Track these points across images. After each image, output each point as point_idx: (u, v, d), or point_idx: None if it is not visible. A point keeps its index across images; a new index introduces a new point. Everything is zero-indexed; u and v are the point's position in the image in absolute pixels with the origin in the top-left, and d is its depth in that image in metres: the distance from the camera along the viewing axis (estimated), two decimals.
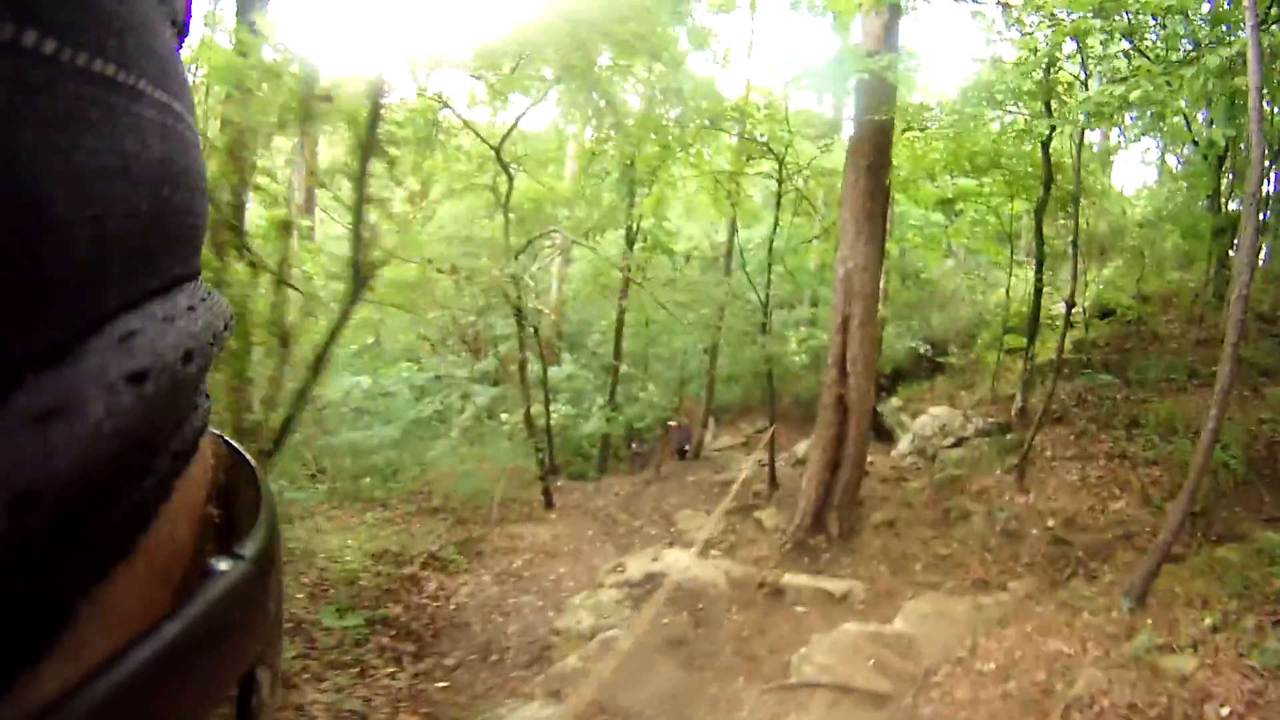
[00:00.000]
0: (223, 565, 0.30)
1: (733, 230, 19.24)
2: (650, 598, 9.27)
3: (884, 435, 20.47)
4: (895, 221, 19.49)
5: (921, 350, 22.03)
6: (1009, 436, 15.31)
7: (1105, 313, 18.65)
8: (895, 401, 20.79)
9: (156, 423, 0.25)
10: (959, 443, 16.11)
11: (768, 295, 16.46)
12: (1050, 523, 11.92)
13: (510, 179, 14.79)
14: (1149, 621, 8.13)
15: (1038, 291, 15.94)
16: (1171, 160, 22.56)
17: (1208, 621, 7.70)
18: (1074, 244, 14.78)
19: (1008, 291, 19.26)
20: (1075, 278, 14.72)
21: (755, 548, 12.19)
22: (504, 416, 16.73)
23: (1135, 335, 17.42)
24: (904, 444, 18.17)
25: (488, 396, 17.05)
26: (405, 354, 19.81)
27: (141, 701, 0.23)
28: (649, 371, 21.59)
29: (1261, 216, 17.91)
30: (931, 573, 11.11)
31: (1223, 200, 18.10)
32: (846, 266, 11.93)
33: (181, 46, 0.31)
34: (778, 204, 17.05)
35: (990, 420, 16.44)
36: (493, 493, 13.69)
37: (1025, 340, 16.38)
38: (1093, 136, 19.34)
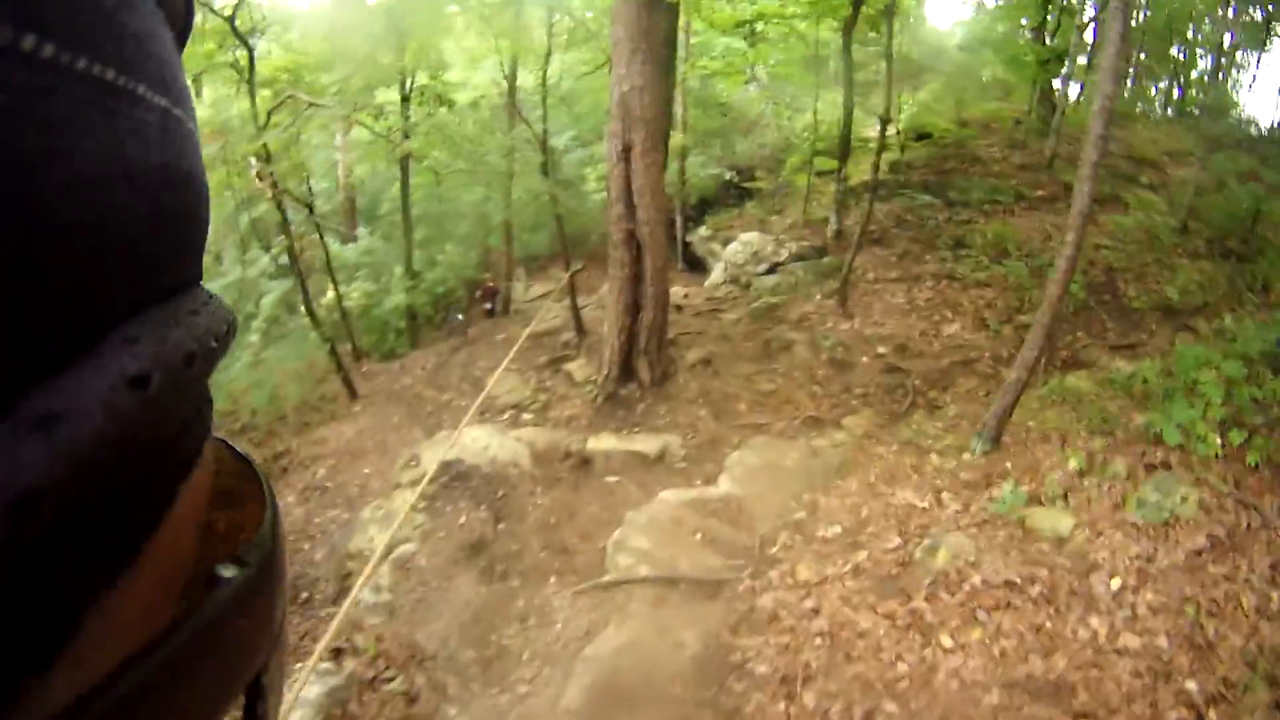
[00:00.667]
0: (228, 572, 0.30)
1: (513, 72, 16.56)
2: (448, 493, 7.76)
3: (696, 267, 19.10)
4: (693, 53, 17.97)
5: (727, 177, 20.33)
6: (826, 260, 14.04)
7: (921, 136, 17.62)
8: (704, 231, 19.19)
9: (159, 427, 0.25)
10: (773, 269, 14.70)
11: (544, 133, 14.14)
12: (881, 349, 10.67)
13: (250, 50, 12.01)
14: (1008, 465, 6.88)
15: (848, 111, 14.41)
16: None
17: (1073, 464, 6.53)
18: (888, 57, 13.15)
19: (815, 115, 17.69)
20: (889, 96, 13.13)
21: (566, 405, 10.47)
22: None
23: (954, 158, 16.44)
24: (716, 273, 16.62)
25: (278, 292, 15.24)
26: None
27: (149, 710, 0.24)
28: (446, 231, 19.87)
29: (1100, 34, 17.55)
30: (757, 413, 9.65)
31: (1047, 34, 17.73)
32: (622, 89, 9.84)
33: (182, 50, 0.30)
34: (548, 34, 14.91)
35: (805, 244, 15.08)
36: (288, 398, 12.24)
37: (837, 162, 14.94)
38: None
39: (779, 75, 21.05)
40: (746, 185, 19.91)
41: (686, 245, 19.79)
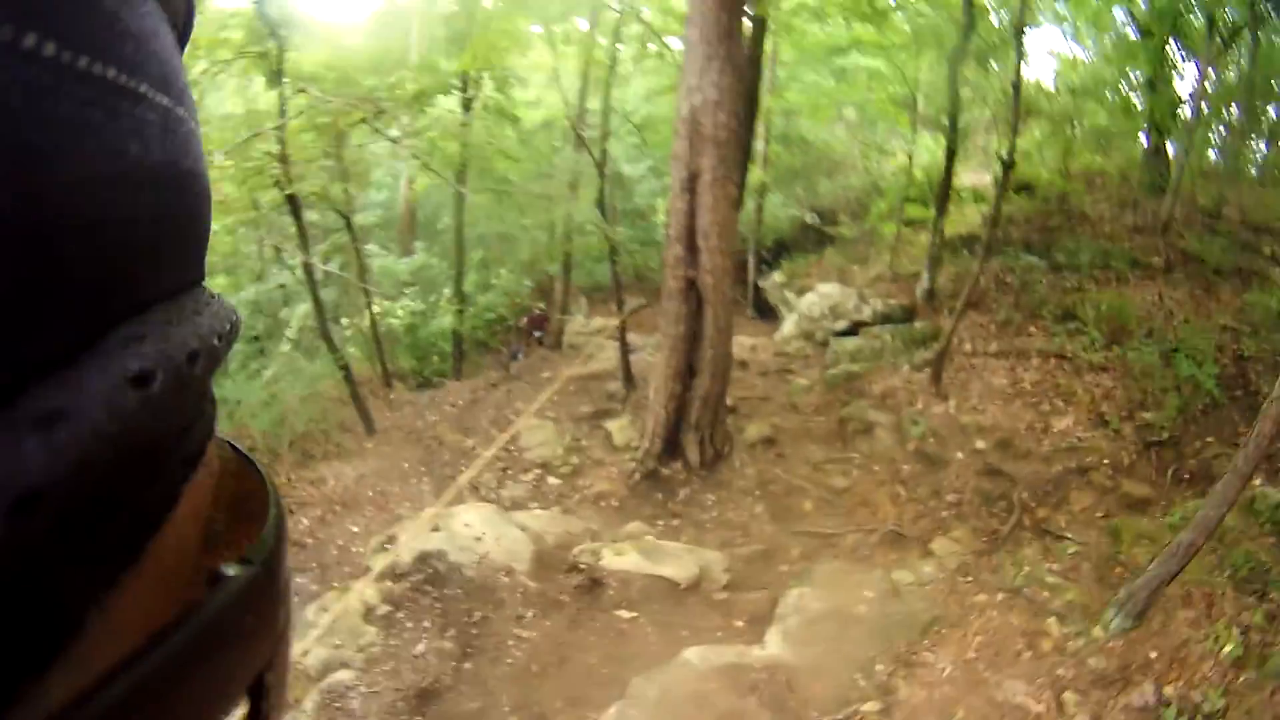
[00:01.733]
0: (232, 571, 0.30)
1: (582, 91, 15.06)
2: (415, 601, 6.15)
3: (767, 314, 17.53)
4: (778, 84, 16.50)
5: (807, 219, 18.62)
6: (917, 325, 12.22)
7: (1021, 187, 15.55)
8: (778, 277, 17.52)
9: (162, 426, 0.25)
10: (854, 329, 12.96)
11: (603, 156, 12.61)
12: (979, 443, 8.82)
13: (280, 41, 10.33)
14: (1151, 655, 5.06)
15: (950, 153, 12.69)
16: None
17: (1227, 649, 4.75)
18: (1015, 86, 11.22)
19: (908, 157, 15.90)
20: (1013, 134, 11.23)
21: (599, 474, 8.86)
22: (345, 322, 14.24)
23: (1059, 214, 14.41)
24: (789, 326, 14.90)
25: (306, 304, 13.78)
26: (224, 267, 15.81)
27: (152, 710, 0.24)
28: (505, 254, 18.13)
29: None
30: (825, 515, 7.94)
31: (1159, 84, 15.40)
32: (692, 102, 8.04)
33: (183, 50, 0.30)
34: (611, 45, 13.50)
35: (892, 302, 13.30)
36: (295, 424, 10.90)
37: (932, 211, 13.19)
38: None
39: (868, 114, 19.24)
40: (827, 230, 18.12)
41: (758, 290, 18.15)
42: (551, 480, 8.86)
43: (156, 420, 0.23)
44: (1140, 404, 9.12)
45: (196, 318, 0.27)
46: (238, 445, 0.38)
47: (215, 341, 0.27)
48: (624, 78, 16.84)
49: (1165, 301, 10.99)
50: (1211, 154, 16.50)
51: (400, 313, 15.35)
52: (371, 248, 17.23)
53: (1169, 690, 4.71)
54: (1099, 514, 7.63)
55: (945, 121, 12.99)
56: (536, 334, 16.13)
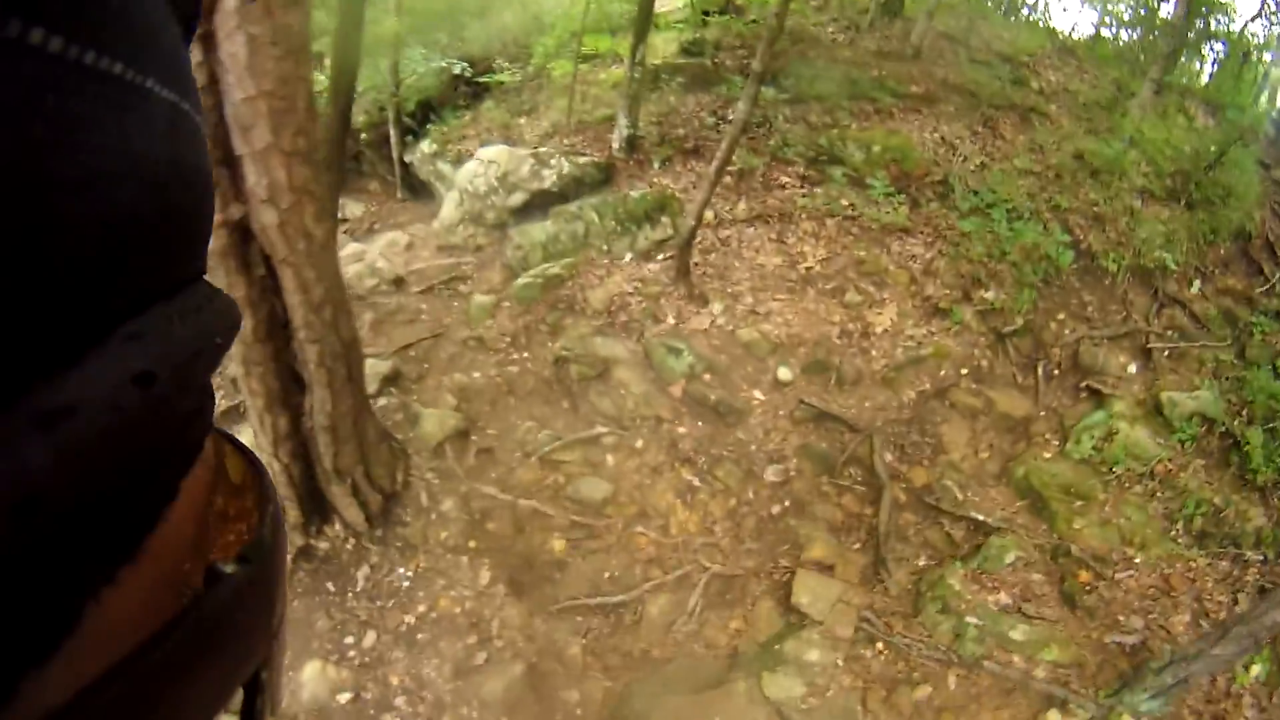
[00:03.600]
0: (230, 569, 0.29)
1: None
2: None
3: (421, 194, 13.23)
4: None
5: (457, 70, 14.26)
6: (631, 193, 8.75)
7: (725, 10, 12.32)
8: (427, 146, 13.27)
9: (163, 424, 0.24)
10: (539, 203, 9.29)
11: None
12: (782, 372, 5.61)
13: None
14: None
15: None
16: None
17: None
18: None
19: None
20: None
21: None
22: None
23: (786, 38, 11.29)
24: (449, 207, 10.81)
25: None
26: None
27: (150, 707, 0.24)
28: None
29: None
30: (592, 557, 4.59)
31: None
32: None
33: (189, 43, 0.30)
34: None
35: (581, 161, 9.70)
36: None
37: (625, 40, 9.92)
38: None
39: None
40: (483, 80, 13.93)
41: (405, 167, 13.73)
42: None
43: (158, 419, 0.23)
44: (974, 280, 6.38)
45: (198, 315, 0.26)
46: (233, 436, 0.36)
47: (216, 340, 0.27)
48: None
49: (942, 138, 8.35)
50: None
51: None
52: None
53: None
54: (987, 457, 4.87)
55: None
56: None
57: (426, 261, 9.39)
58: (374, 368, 5.55)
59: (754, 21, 11.71)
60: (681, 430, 5.30)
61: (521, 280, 7.40)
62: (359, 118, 14.57)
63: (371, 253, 10.40)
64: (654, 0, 9.34)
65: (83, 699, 0.20)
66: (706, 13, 12.13)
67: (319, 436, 4.43)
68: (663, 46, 11.43)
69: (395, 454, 5.09)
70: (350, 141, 14.09)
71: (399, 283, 8.55)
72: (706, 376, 5.64)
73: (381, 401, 5.42)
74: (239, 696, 0.30)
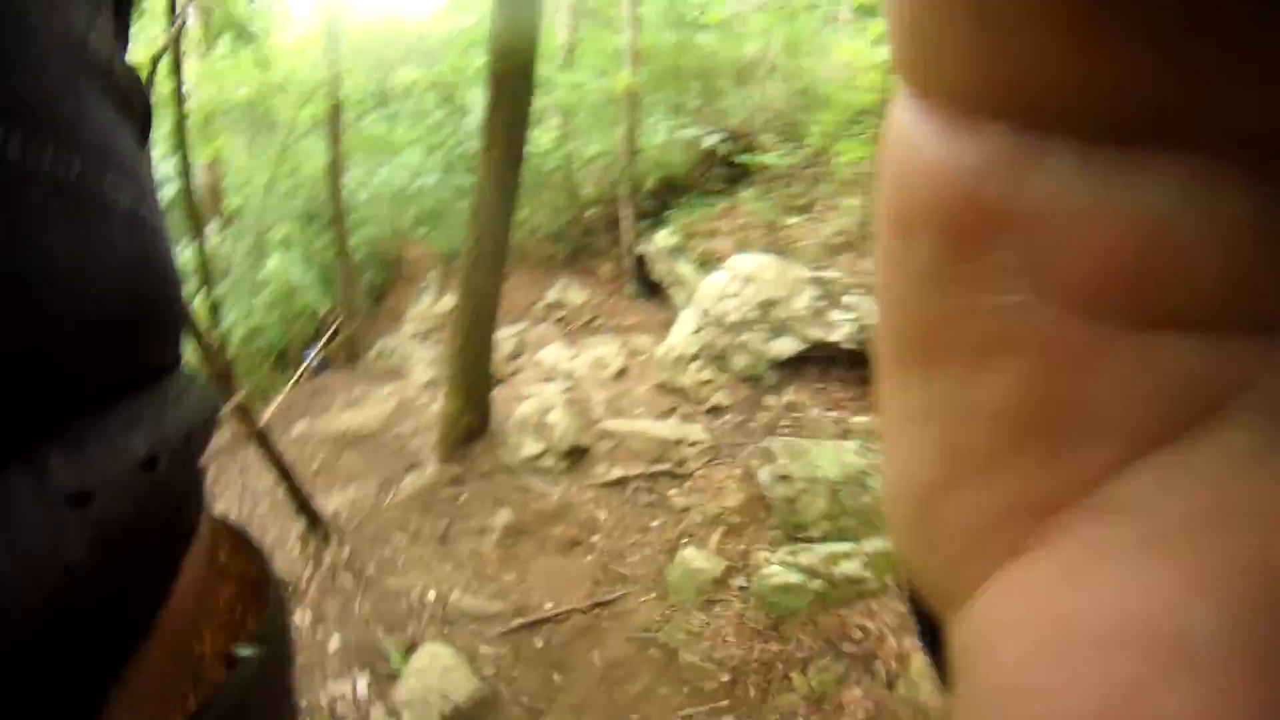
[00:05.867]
0: (246, 651, 0.30)
1: None
2: None
3: (657, 291, 10.46)
4: None
5: (710, 144, 11.23)
6: None
7: None
8: (666, 237, 10.38)
9: (166, 505, 0.26)
10: (816, 356, 6.03)
11: None
12: None
13: None
14: None
15: None
16: None
17: None
18: None
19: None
20: None
21: None
22: None
23: None
24: (683, 330, 7.60)
25: None
26: None
27: None
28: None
29: None
30: None
31: None
32: None
33: (145, 143, 0.31)
34: None
35: None
36: None
37: None
38: None
39: None
40: (743, 160, 10.79)
41: (639, 260, 10.99)
42: None
43: (162, 501, 0.24)
44: None
45: (184, 399, 0.27)
46: (227, 518, 0.37)
47: (204, 423, 0.28)
48: None
49: None
50: None
51: None
52: None
53: None
54: None
55: None
56: (308, 352, 11.44)
57: (631, 420, 6.30)
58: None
59: None
60: None
61: (775, 570, 3.79)
62: (587, 188, 11.92)
63: (573, 363, 8.06)
64: None
65: None
66: None
67: None
68: None
69: None
70: (579, 211, 12.08)
71: (576, 456, 5.52)
72: None
73: None
74: None
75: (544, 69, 12.56)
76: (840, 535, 3.88)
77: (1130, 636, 0.11)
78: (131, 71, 0.28)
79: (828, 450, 4.40)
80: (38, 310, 0.18)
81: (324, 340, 12.23)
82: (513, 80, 5.75)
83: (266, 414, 8.34)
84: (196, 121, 12.15)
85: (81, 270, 0.20)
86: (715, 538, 4.43)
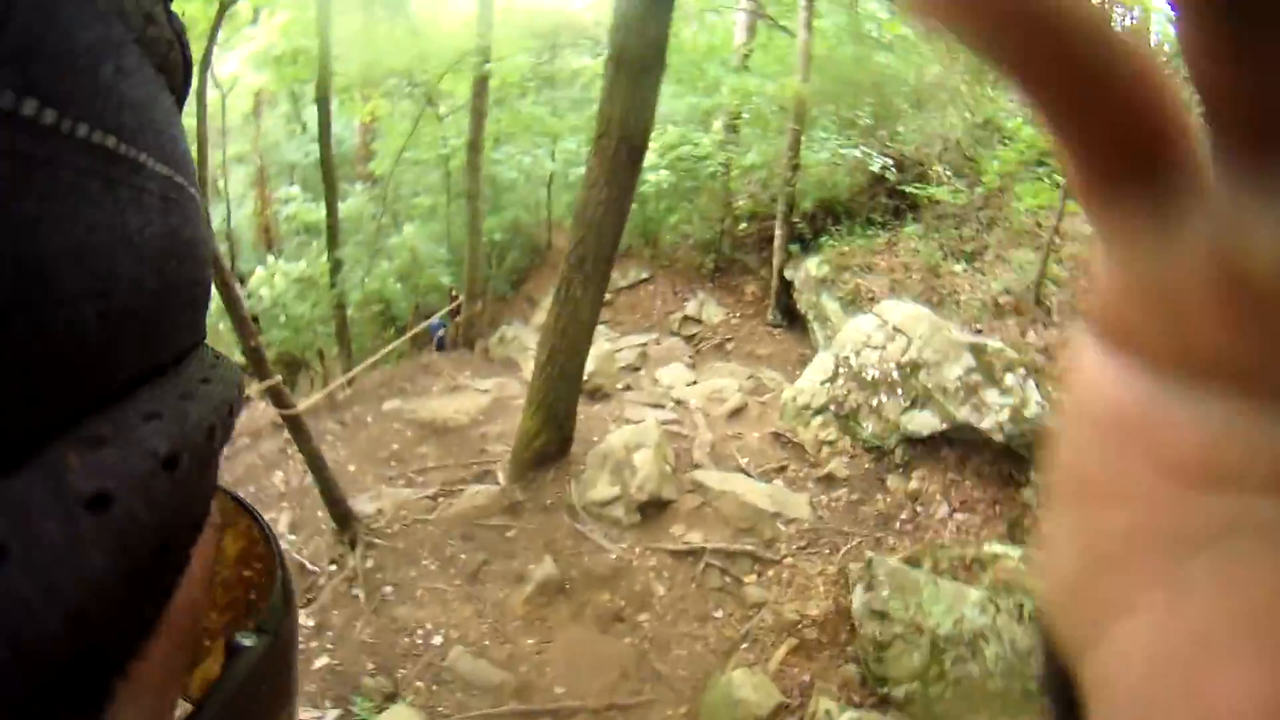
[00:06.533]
0: (248, 641, 0.30)
1: None
2: None
3: (797, 322, 10.07)
4: None
5: (876, 168, 10.33)
6: None
7: None
8: (816, 266, 9.65)
9: (186, 504, 0.25)
10: (955, 439, 5.24)
11: None
12: None
13: None
14: None
15: None
16: None
17: None
18: None
19: None
20: None
21: None
22: None
23: None
24: (815, 373, 6.96)
25: None
26: None
27: None
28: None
29: None
30: None
31: None
32: None
33: (180, 115, 0.29)
34: None
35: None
36: None
37: None
38: None
39: None
40: (911, 192, 9.87)
41: (785, 285, 10.43)
42: None
43: (183, 501, 0.23)
44: None
45: (207, 388, 0.26)
46: (239, 496, 0.36)
47: (227, 412, 0.27)
48: None
49: None
50: None
51: (277, 279, 12.31)
52: (292, 189, 15.35)
53: None
54: None
55: None
56: (439, 335, 12.18)
57: (730, 474, 5.74)
58: None
59: None
60: None
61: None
62: (742, 200, 11.27)
63: (690, 390, 7.83)
64: None
65: None
66: None
67: None
68: None
69: None
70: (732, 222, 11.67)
71: (653, 510, 5.16)
72: None
73: None
74: None
75: (714, 70, 12.01)
76: (928, 710, 3.12)
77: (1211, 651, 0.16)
78: (174, 21, 0.26)
79: (945, 594, 3.61)
80: (61, 297, 0.18)
81: (439, 318, 12.21)
82: (635, 63, 5.05)
83: (335, 384, 8.09)
84: (350, 82, 12.33)
85: (114, 252, 0.20)
86: (780, 653, 3.79)
